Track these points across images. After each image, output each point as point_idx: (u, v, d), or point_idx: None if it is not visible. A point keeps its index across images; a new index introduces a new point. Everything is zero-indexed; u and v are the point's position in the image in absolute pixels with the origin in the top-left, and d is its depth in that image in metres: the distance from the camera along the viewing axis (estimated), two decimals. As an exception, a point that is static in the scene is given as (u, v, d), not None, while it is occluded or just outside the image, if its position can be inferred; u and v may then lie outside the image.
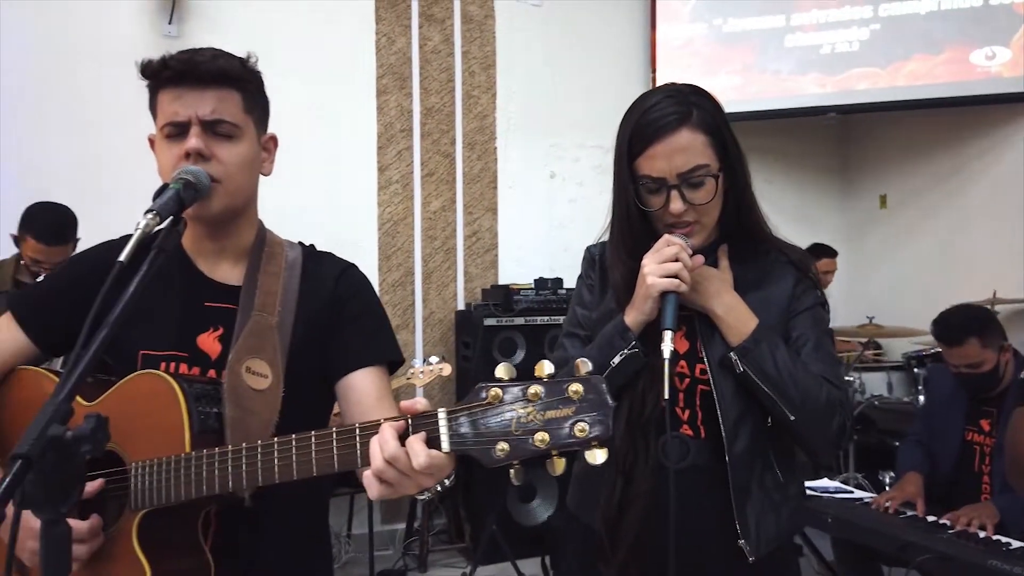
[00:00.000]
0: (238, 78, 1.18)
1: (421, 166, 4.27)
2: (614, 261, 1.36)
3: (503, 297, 3.97)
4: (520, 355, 3.94)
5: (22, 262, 2.90)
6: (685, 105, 1.26)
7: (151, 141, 1.21)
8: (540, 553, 3.76)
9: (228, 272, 1.25)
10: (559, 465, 0.85)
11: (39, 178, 3.44)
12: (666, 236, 1.27)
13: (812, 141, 5.13)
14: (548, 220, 4.59)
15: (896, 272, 4.88)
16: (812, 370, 1.27)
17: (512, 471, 0.86)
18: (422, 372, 3.48)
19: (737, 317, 1.28)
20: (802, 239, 4.80)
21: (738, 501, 1.26)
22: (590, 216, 4.78)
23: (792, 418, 1.24)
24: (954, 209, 4.49)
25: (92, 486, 1.07)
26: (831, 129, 5.05)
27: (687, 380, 1.31)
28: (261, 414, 1.12)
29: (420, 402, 0.90)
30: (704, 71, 4.81)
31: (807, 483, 2.76)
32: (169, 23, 3.74)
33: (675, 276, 1.23)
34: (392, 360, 1.25)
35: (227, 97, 1.17)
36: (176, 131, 1.15)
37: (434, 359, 3.51)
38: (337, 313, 1.24)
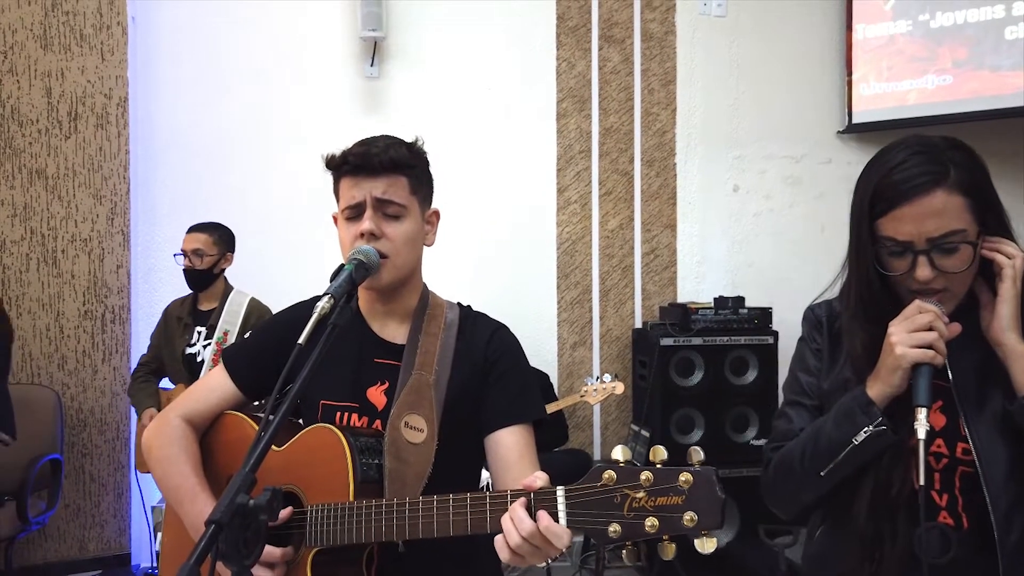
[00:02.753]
0: (405, 164, 1.34)
1: (599, 185, 4.34)
2: (853, 327, 1.24)
3: (680, 316, 3.93)
4: (698, 375, 3.89)
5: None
6: (940, 164, 1.13)
7: (335, 218, 1.39)
8: (717, 578, 3.71)
9: (395, 331, 1.40)
10: (669, 550, 0.89)
11: (259, 202, 3.92)
12: (918, 302, 1.15)
13: (1040, 142, 4.58)
14: (731, 236, 4.48)
15: None
16: None
17: (624, 552, 0.91)
18: (595, 390, 3.54)
19: None
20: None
21: None
22: (778, 230, 4.67)
23: None
24: None
25: (282, 514, 1.24)
26: (1063, 128, 4.48)
27: (944, 460, 1.18)
28: (416, 466, 1.25)
29: (541, 477, 0.98)
30: (907, 71, 4.46)
31: None
32: (371, 65, 4.10)
33: (930, 347, 1.11)
34: (536, 418, 1.34)
35: (396, 182, 1.33)
36: (354, 213, 1.33)
37: (607, 377, 3.56)
38: (487, 373, 1.35)
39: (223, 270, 3.42)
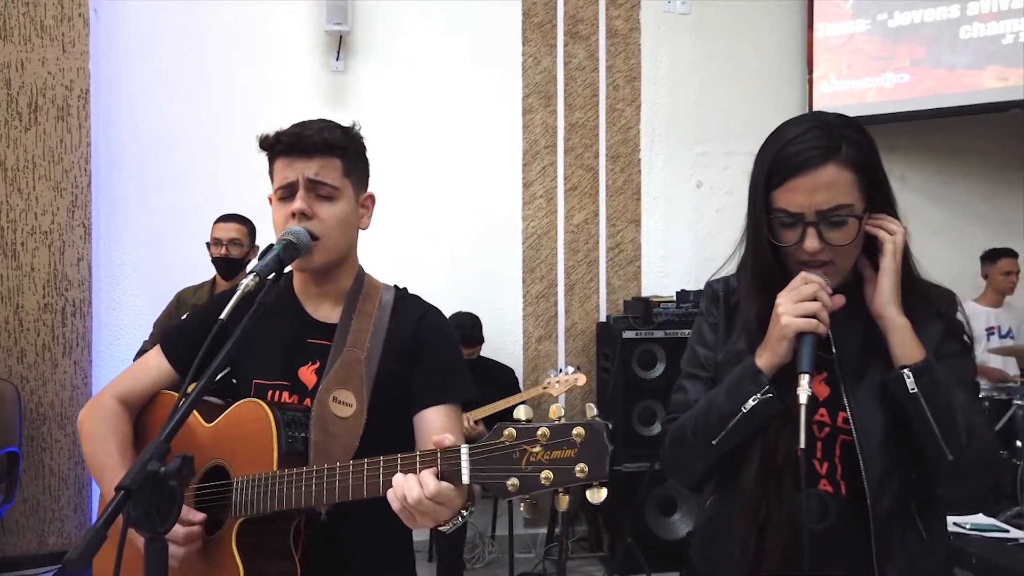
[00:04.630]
0: (339, 147, 1.35)
1: (564, 180, 4.38)
2: (749, 297, 1.28)
3: (643, 310, 3.98)
4: (660, 368, 3.94)
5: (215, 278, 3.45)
6: (833, 139, 1.16)
7: (270, 200, 1.41)
8: (678, 567, 3.74)
9: (328, 312, 1.42)
10: (563, 502, 0.92)
11: (222, 196, 3.91)
12: (803, 274, 1.19)
13: (993, 138, 4.68)
14: (694, 231, 4.54)
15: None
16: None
17: (523, 505, 0.94)
18: (558, 382, 3.57)
19: (913, 336, 1.16)
20: (986, 240, 4.44)
21: (880, 564, 1.16)
22: (741, 225, 4.69)
23: (950, 458, 1.11)
24: None
25: (196, 517, 1.25)
26: (1014, 125, 4.58)
27: (826, 429, 1.22)
28: (343, 439, 1.27)
29: (448, 438, 1.01)
30: (867, 69, 4.55)
31: (959, 519, 2.56)
32: (336, 59, 4.12)
33: (813, 316, 1.15)
34: (464, 399, 1.36)
35: (329, 164, 1.34)
36: (286, 193, 1.34)
37: (570, 369, 3.59)
38: (417, 352, 1.37)
39: (249, 260, 3.48)
